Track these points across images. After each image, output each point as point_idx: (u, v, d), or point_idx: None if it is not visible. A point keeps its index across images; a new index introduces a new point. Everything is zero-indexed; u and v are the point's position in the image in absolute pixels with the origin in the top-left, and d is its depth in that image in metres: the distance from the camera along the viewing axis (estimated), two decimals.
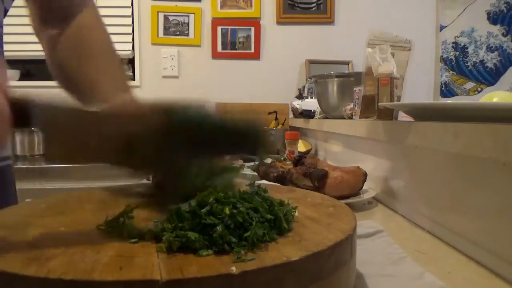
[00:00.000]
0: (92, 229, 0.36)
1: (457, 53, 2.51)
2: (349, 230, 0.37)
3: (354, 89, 1.16)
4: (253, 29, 2.49)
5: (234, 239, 0.32)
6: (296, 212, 0.41)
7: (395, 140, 0.75)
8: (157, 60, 2.43)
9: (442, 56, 2.51)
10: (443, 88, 2.52)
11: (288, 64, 2.50)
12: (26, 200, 0.49)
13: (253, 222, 0.34)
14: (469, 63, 2.51)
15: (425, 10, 2.51)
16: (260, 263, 0.29)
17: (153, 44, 2.44)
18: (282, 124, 2.27)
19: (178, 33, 2.47)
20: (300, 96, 2.07)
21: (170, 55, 2.44)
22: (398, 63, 0.96)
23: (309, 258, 0.30)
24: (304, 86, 2.04)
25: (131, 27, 2.42)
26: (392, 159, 0.83)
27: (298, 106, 1.88)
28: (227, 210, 0.33)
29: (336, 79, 1.45)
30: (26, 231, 0.36)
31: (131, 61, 2.44)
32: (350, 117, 1.20)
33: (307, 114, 1.80)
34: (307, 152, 1.63)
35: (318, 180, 0.79)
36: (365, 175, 0.83)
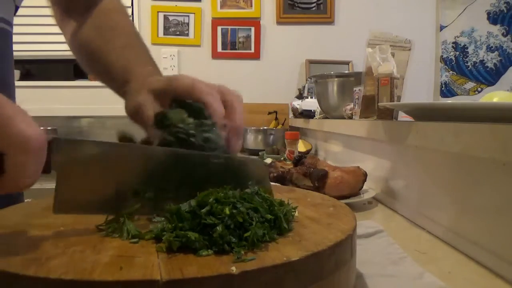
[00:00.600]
0: (92, 229, 0.36)
1: (457, 53, 2.51)
2: (349, 230, 0.37)
3: (354, 89, 1.16)
4: (253, 29, 2.49)
5: (234, 239, 0.32)
6: (296, 212, 0.41)
7: (395, 140, 0.75)
8: (157, 60, 2.36)
9: (442, 56, 2.51)
10: (443, 88, 2.52)
11: (288, 64, 2.51)
12: (26, 200, 0.49)
13: (253, 222, 0.34)
14: (469, 63, 2.51)
15: (425, 10, 2.51)
16: (260, 263, 0.29)
17: (153, 44, 2.44)
18: (282, 124, 2.27)
19: (178, 33, 2.47)
20: (300, 96, 2.08)
21: (170, 55, 2.44)
22: (398, 63, 0.96)
23: (309, 258, 0.30)
24: (304, 86, 2.04)
25: None
26: (392, 159, 0.83)
27: (298, 106, 1.88)
28: (227, 210, 0.33)
29: (336, 79, 1.45)
30: (26, 231, 0.36)
31: None
32: (350, 117, 1.20)
33: (307, 114, 1.80)
34: (307, 152, 1.63)
35: (318, 180, 0.79)
36: (365, 175, 0.83)
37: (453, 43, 2.51)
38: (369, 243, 0.53)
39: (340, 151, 1.33)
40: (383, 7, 2.49)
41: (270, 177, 0.87)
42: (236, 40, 2.49)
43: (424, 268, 0.44)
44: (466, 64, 2.51)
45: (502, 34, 2.49)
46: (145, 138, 0.46)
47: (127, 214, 0.36)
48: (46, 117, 2.35)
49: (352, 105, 1.20)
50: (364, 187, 0.84)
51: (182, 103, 0.44)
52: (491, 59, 2.50)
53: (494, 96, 0.87)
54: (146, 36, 2.43)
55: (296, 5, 2.52)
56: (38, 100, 2.37)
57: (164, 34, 2.46)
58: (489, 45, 2.50)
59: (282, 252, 0.31)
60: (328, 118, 1.53)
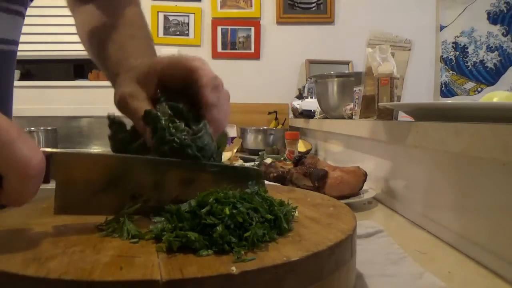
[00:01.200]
0: (92, 229, 0.36)
1: (457, 53, 2.51)
2: (349, 230, 0.36)
3: (354, 89, 1.16)
4: (253, 29, 2.49)
5: (234, 239, 0.32)
6: (296, 212, 0.41)
7: (395, 140, 0.75)
8: None
9: (442, 56, 2.52)
10: (443, 88, 2.52)
11: (288, 64, 2.51)
12: None
13: (253, 222, 0.34)
14: (469, 63, 2.51)
15: (425, 10, 2.51)
16: (260, 263, 0.29)
17: None
18: (282, 124, 2.27)
19: (178, 33, 2.47)
20: (300, 96, 2.08)
21: None
22: (398, 63, 0.96)
23: (309, 258, 0.30)
24: (304, 86, 2.04)
25: None
26: (392, 159, 0.83)
27: (298, 106, 1.88)
28: (227, 210, 0.33)
29: (336, 79, 1.45)
30: (26, 231, 0.36)
31: None
32: (350, 117, 1.20)
33: (307, 114, 1.80)
34: (307, 152, 1.63)
35: (318, 180, 0.79)
36: (365, 175, 0.83)
37: (453, 43, 2.51)
38: (369, 243, 0.53)
39: (340, 151, 1.33)
40: (383, 7, 2.49)
41: (270, 177, 0.87)
42: (236, 40, 2.50)
43: (424, 268, 0.44)
44: (466, 64, 2.51)
45: (502, 34, 2.49)
46: (133, 126, 0.46)
47: (127, 214, 0.37)
48: (46, 117, 2.35)
49: (352, 105, 1.20)
50: (364, 187, 0.84)
51: (170, 99, 0.44)
52: (491, 59, 2.50)
53: (494, 96, 0.87)
54: None
55: (296, 5, 2.52)
56: (38, 100, 2.37)
57: (164, 34, 2.46)
58: (489, 45, 2.50)
59: (282, 252, 0.31)
60: (328, 118, 1.53)
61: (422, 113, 0.70)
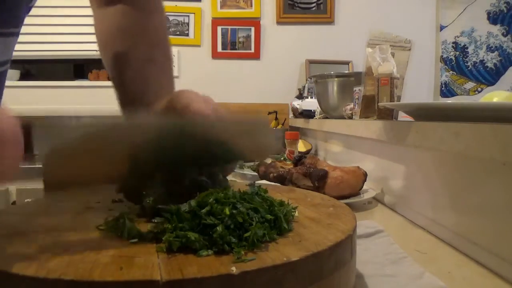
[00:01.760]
0: (92, 229, 0.36)
1: (457, 53, 2.51)
2: (349, 230, 0.36)
3: (354, 89, 1.16)
4: (253, 29, 2.49)
5: (234, 239, 0.32)
6: (296, 212, 0.41)
7: (395, 140, 0.75)
8: None
9: (442, 56, 2.51)
10: (443, 88, 2.52)
11: (288, 64, 2.51)
12: (26, 200, 0.49)
13: (253, 222, 0.34)
14: (469, 63, 2.51)
15: (425, 10, 2.51)
16: (260, 263, 0.29)
17: None
18: (282, 124, 2.27)
19: (178, 33, 2.47)
20: (300, 96, 2.08)
21: None
22: (398, 63, 0.96)
23: (309, 258, 0.30)
24: (304, 86, 2.04)
25: None
26: (392, 159, 0.83)
27: (298, 106, 1.88)
28: (227, 211, 0.33)
29: (336, 79, 1.45)
30: (26, 231, 0.36)
31: None
32: (350, 117, 1.20)
33: (307, 114, 1.80)
34: (307, 152, 1.63)
35: (318, 180, 0.79)
36: (365, 175, 0.83)
37: (453, 43, 2.51)
38: (369, 243, 0.53)
39: (340, 151, 1.33)
40: (383, 7, 2.49)
41: (270, 177, 0.87)
42: (236, 40, 2.49)
43: (424, 268, 0.44)
44: (466, 64, 2.51)
45: (502, 34, 2.49)
46: None
47: (127, 215, 0.36)
48: (46, 117, 2.35)
49: (352, 105, 1.20)
50: (364, 187, 0.84)
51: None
52: (491, 59, 2.50)
53: (494, 96, 0.87)
54: None
55: (296, 5, 2.52)
56: (38, 100, 2.37)
57: None
58: (489, 45, 2.50)
59: (282, 252, 0.31)
60: (328, 118, 1.53)
61: (422, 113, 0.70)
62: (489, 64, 2.50)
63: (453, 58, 2.52)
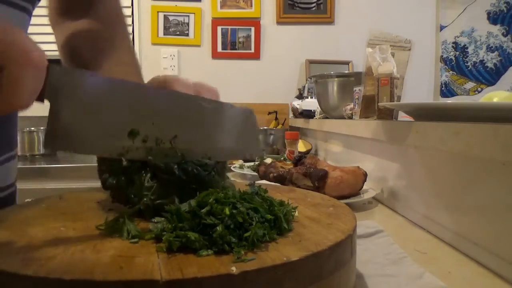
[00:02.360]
0: (92, 229, 0.36)
1: (457, 53, 2.51)
2: (349, 230, 0.36)
3: (354, 89, 1.16)
4: (253, 29, 2.49)
5: (234, 239, 0.32)
6: (296, 212, 0.41)
7: (395, 140, 0.75)
8: (157, 60, 2.43)
9: (442, 56, 2.51)
10: (443, 88, 2.52)
11: (288, 64, 2.50)
12: (26, 200, 0.49)
13: (253, 222, 0.34)
14: (469, 63, 2.51)
15: (425, 10, 2.51)
16: (260, 263, 0.29)
17: (153, 44, 2.44)
18: (282, 124, 2.27)
19: (178, 33, 2.47)
20: (300, 96, 2.07)
21: (170, 55, 2.44)
22: (398, 63, 0.96)
23: (309, 258, 0.30)
24: (304, 86, 2.04)
25: (131, 27, 2.42)
26: (392, 159, 0.83)
27: (298, 106, 1.88)
28: (227, 210, 0.33)
29: (336, 79, 1.45)
30: (26, 231, 0.36)
31: None
32: (350, 117, 1.20)
33: (307, 114, 1.80)
34: (307, 152, 1.63)
35: (318, 180, 0.79)
36: (365, 175, 0.83)
37: (453, 43, 2.51)
38: (369, 243, 0.53)
39: (340, 151, 1.33)
40: (383, 7, 2.49)
41: (270, 177, 0.87)
42: (236, 40, 2.49)
43: (424, 268, 0.44)
44: (466, 64, 2.51)
45: (502, 34, 2.49)
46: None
47: (127, 215, 0.36)
48: (46, 117, 2.35)
49: (352, 105, 1.20)
50: (364, 187, 0.84)
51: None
52: (491, 59, 2.50)
53: (494, 96, 0.87)
54: (146, 36, 2.43)
55: (296, 5, 2.52)
56: None
57: (164, 34, 2.46)
58: (489, 45, 2.50)
59: (282, 252, 0.31)
60: (328, 118, 1.53)
61: (422, 113, 0.70)
62: (489, 64, 2.50)
63: (453, 58, 2.52)
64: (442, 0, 2.50)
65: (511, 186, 0.44)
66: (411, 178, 0.74)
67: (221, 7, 2.48)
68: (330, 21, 2.52)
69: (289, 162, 1.09)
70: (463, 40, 2.50)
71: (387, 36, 1.07)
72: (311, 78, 1.76)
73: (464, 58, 2.51)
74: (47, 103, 0.35)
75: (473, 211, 0.53)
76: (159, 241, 0.32)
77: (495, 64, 2.50)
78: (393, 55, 0.98)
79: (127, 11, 2.41)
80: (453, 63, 2.52)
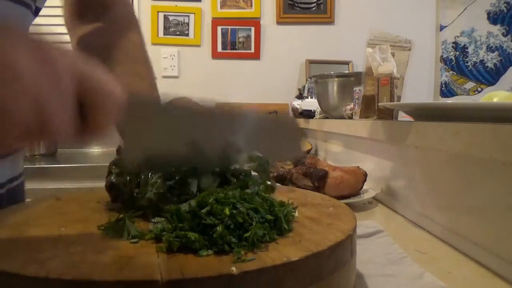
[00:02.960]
0: (92, 229, 0.36)
1: (457, 53, 2.51)
2: (349, 230, 0.36)
3: (354, 89, 1.16)
4: (253, 29, 2.49)
5: (234, 239, 0.32)
6: (296, 212, 0.41)
7: (395, 140, 0.75)
8: (157, 60, 2.43)
9: (442, 56, 2.51)
10: (443, 88, 2.52)
11: (288, 64, 2.50)
12: (26, 200, 0.49)
13: (253, 222, 0.34)
14: (469, 63, 2.51)
15: (425, 10, 2.51)
16: (260, 263, 0.29)
17: (153, 44, 2.44)
18: None
19: (178, 33, 2.47)
20: (300, 96, 2.07)
21: (170, 55, 2.44)
22: (398, 63, 0.96)
23: (309, 258, 0.30)
24: (304, 86, 2.04)
25: None
26: (392, 159, 0.83)
27: (298, 106, 1.88)
28: (227, 211, 0.33)
29: (336, 79, 1.45)
30: (26, 231, 0.36)
31: None
32: (350, 117, 1.20)
33: (307, 114, 1.80)
34: (307, 152, 1.63)
35: (318, 180, 0.79)
36: (365, 175, 0.83)
37: (453, 43, 2.51)
38: (369, 243, 0.53)
39: (340, 151, 1.33)
40: (383, 7, 2.49)
41: (270, 177, 0.87)
42: (236, 40, 2.49)
43: (424, 268, 0.44)
44: (466, 64, 2.51)
45: (502, 34, 2.49)
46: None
47: (127, 215, 0.36)
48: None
49: (352, 105, 1.20)
50: (364, 187, 0.84)
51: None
52: (491, 59, 2.50)
53: (494, 96, 0.87)
54: (146, 36, 2.42)
55: (296, 5, 2.52)
56: None
57: (164, 34, 2.46)
58: (489, 45, 2.50)
59: (282, 252, 0.31)
60: (328, 118, 1.53)
61: (422, 113, 0.70)
62: (489, 64, 2.50)
63: (453, 58, 2.52)
64: (442, 0, 2.50)
65: (511, 186, 0.44)
66: (411, 178, 0.74)
67: (221, 7, 2.48)
68: (330, 21, 2.52)
69: (289, 162, 1.09)
70: (463, 40, 2.50)
71: (387, 36, 1.07)
72: (311, 78, 1.76)
73: (464, 58, 2.51)
74: None
75: (473, 211, 0.53)
76: (159, 241, 0.32)
77: (495, 64, 2.50)
78: (393, 55, 0.98)
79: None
80: (453, 63, 2.52)
